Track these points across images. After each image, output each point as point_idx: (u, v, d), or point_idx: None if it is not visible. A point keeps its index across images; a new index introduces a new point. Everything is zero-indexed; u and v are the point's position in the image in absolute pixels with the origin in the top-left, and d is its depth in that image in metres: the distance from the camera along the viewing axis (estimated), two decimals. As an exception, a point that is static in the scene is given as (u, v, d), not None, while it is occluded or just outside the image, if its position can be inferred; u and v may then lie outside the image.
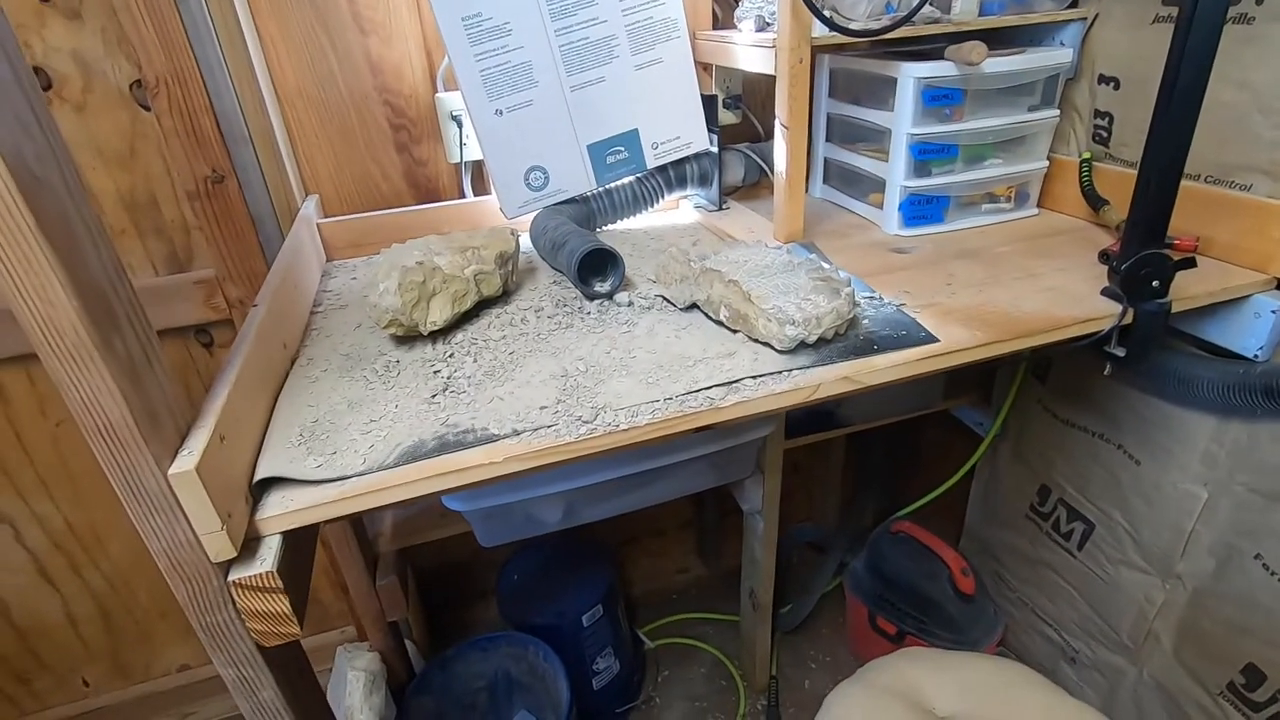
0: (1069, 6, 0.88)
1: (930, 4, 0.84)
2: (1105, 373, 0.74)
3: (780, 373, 0.60)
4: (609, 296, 0.76)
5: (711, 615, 1.45)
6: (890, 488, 1.44)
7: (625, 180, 0.98)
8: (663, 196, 1.01)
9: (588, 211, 0.97)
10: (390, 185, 1.05)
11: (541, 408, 0.58)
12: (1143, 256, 0.64)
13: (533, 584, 1.19)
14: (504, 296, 0.77)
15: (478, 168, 1.05)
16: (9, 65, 0.35)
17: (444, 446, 0.54)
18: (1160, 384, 0.82)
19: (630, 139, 0.95)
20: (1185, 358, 0.75)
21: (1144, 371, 0.79)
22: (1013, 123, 0.89)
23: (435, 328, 0.67)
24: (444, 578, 1.36)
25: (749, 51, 0.86)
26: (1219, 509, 0.83)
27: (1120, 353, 0.70)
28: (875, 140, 0.95)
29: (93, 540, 1.14)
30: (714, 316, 0.69)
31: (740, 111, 1.08)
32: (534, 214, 0.93)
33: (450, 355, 0.67)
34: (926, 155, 0.88)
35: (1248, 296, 0.72)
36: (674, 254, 0.73)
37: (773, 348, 0.63)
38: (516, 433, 0.55)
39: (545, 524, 0.93)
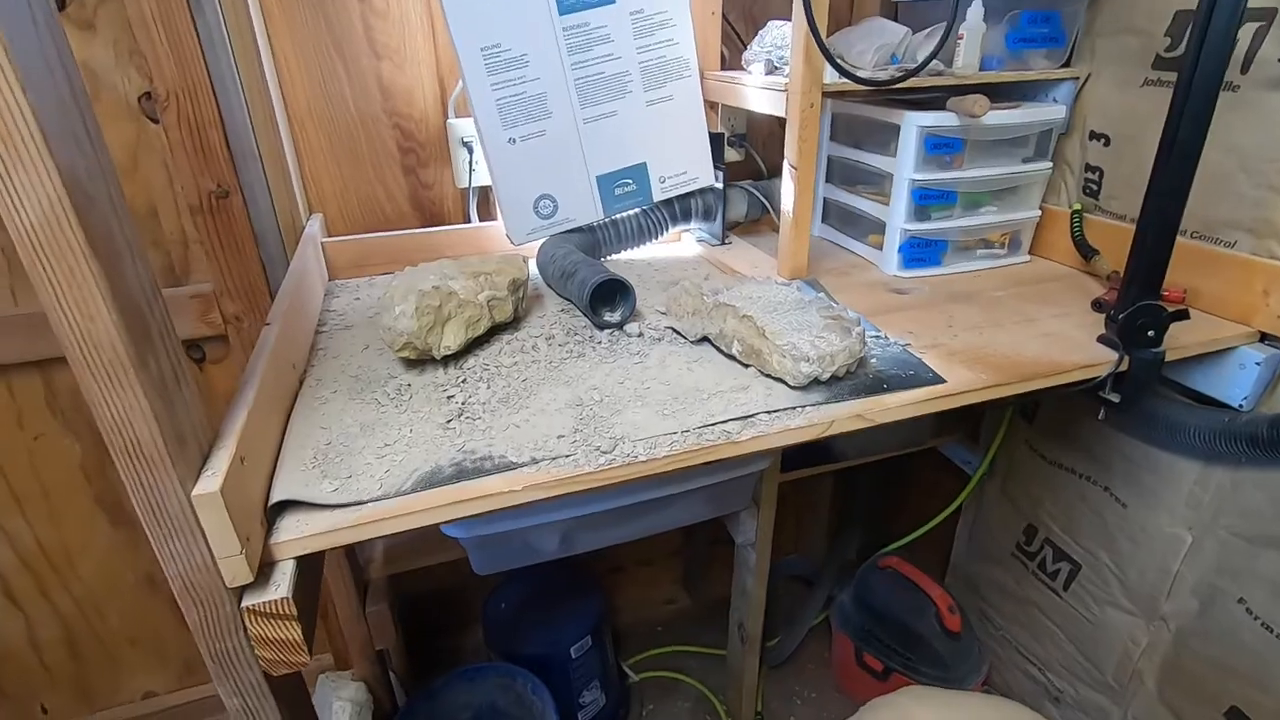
0: (1063, 66, 0.92)
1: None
2: (1100, 417, 0.77)
3: (795, 408, 0.61)
4: (619, 327, 0.77)
5: (697, 648, 1.43)
6: (878, 522, 1.45)
7: (631, 212, 1.00)
8: (667, 229, 1.02)
9: (594, 241, 0.98)
10: (395, 207, 1.05)
11: (559, 436, 0.58)
12: (1139, 307, 0.66)
13: (521, 613, 1.17)
14: (514, 323, 0.78)
15: (484, 193, 1.05)
16: (68, 83, 0.35)
17: (462, 473, 0.54)
18: (1149, 430, 0.84)
19: (639, 172, 0.97)
20: (1175, 405, 0.78)
21: (1135, 417, 0.81)
22: (1008, 173, 0.92)
23: (449, 352, 0.67)
24: (428, 603, 1.34)
25: (758, 94, 0.89)
26: (1203, 552, 0.86)
27: (1115, 398, 0.72)
28: (875, 183, 0.98)
29: (63, 560, 1.09)
30: (726, 350, 0.70)
31: (744, 149, 1.10)
32: (541, 241, 0.94)
33: (463, 381, 0.67)
34: (927, 200, 0.90)
35: (1234, 348, 0.76)
36: (687, 287, 0.74)
37: (785, 383, 0.64)
38: (535, 461, 0.55)
39: (542, 552, 0.92)
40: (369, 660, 0.98)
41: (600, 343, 0.74)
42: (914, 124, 0.87)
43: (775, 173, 1.14)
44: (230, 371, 1.05)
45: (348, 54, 0.95)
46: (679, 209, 1.02)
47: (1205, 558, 0.86)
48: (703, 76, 0.98)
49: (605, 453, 0.56)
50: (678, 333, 0.75)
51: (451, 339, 0.67)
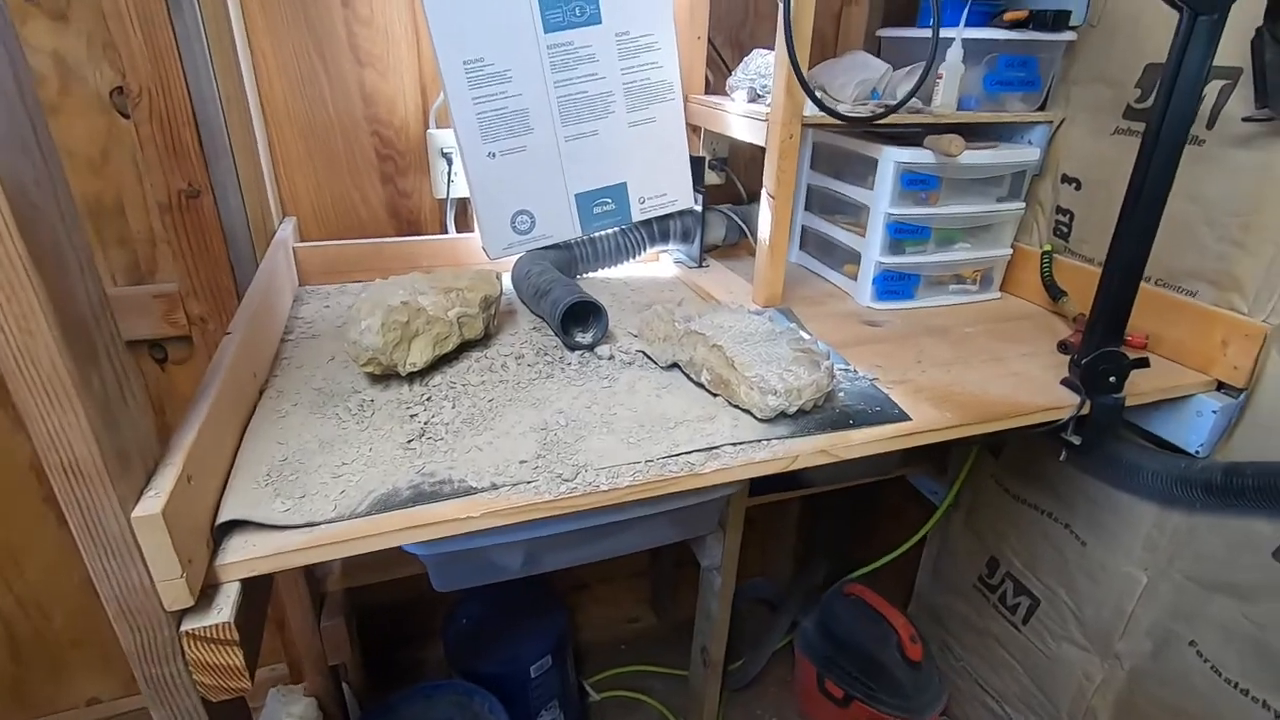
0: (1038, 109, 0.94)
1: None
2: (1060, 458, 0.78)
3: (760, 441, 0.61)
4: (590, 349, 0.76)
5: (659, 669, 1.42)
6: (844, 548, 1.45)
7: (609, 231, 0.99)
8: (645, 249, 1.02)
9: (570, 258, 0.98)
10: (370, 214, 1.03)
11: (521, 462, 0.57)
12: (1103, 353, 0.68)
13: (481, 629, 1.15)
14: (485, 339, 0.77)
15: (462, 205, 1.05)
16: (16, 88, 0.34)
17: (419, 497, 0.53)
18: (1109, 471, 0.85)
19: (618, 192, 0.97)
20: (1134, 449, 0.79)
21: (1096, 459, 0.83)
22: (982, 211, 0.94)
23: (414, 370, 0.66)
24: (387, 615, 1.31)
25: (740, 121, 0.89)
26: (1158, 594, 0.87)
27: (1076, 440, 0.73)
28: (852, 214, 0.99)
29: (7, 560, 1.06)
30: (695, 378, 0.70)
31: (725, 173, 1.11)
32: (517, 257, 0.94)
33: (428, 399, 0.66)
34: (902, 234, 0.91)
35: (1192, 395, 0.77)
36: (659, 312, 0.73)
37: (753, 415, 0.64)
38: (495, 487, 0.54)
39: (505, 570, 0.91)
40: (322, 675, 0.96)
41: (570, 364, 0.74)
42: (891, 159, 0.88)
43: (755, 198, 1.15)
44: (193, 373, 1.02)
45: (329, 58, 0.94)
46: (657, 230, 1.02)
47: (1160, 600, 0.87)
48: (686, 100, 0.98)
49: (566, 480, 0.55)
50: (649, 357, 0.75)
51: (418, 356, 0.66)
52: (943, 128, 0.88)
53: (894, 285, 0.94)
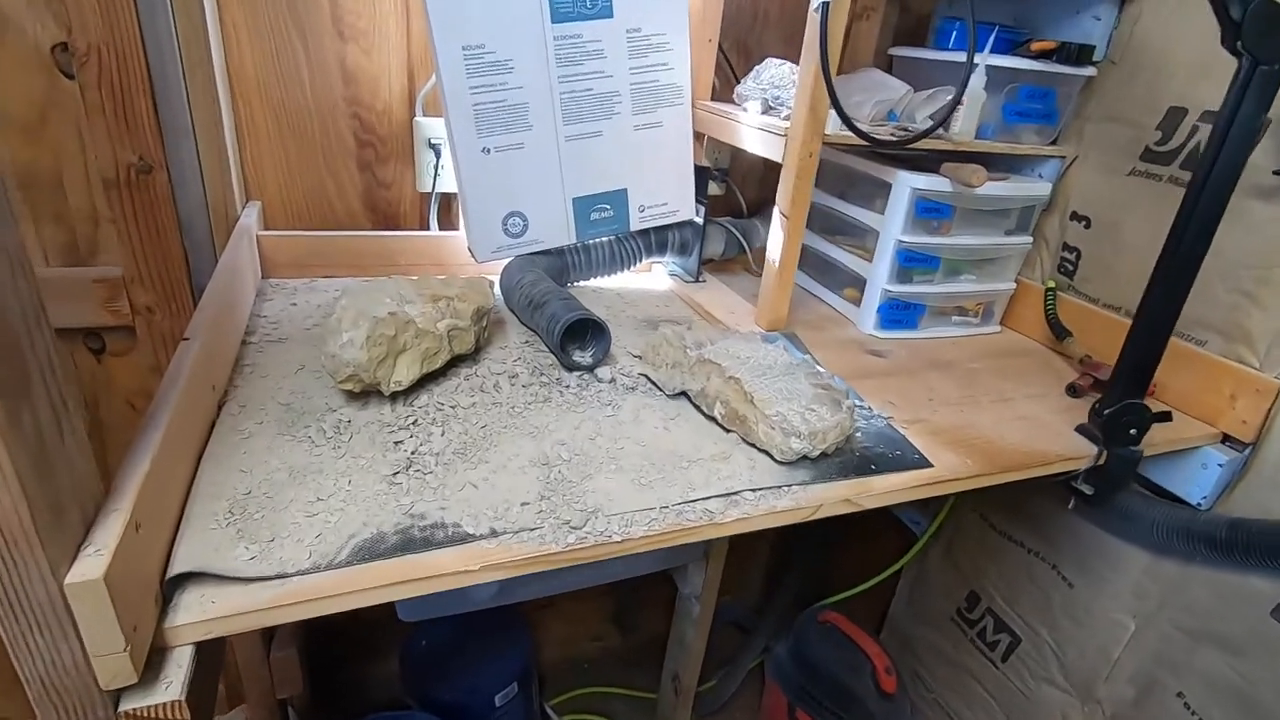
0: (1049, 144, 0.92)
1: (928, 118, 0.86)
2: (1070, 506, 0.76)
3: (781, 487, 0.57)
4: (590, 370, 0.71)
5: (625, 691, 1.37)
6: (819, 571, 1.43)
7: (605, 239, 0.94)
8: (640, 260, 0.97)
9: (563, 265, 0.91)
10: (345, 204, 0.95)
11: (523, 504, 0.51)
12: (1126, 405, 0.65)
13: (442, 654, 1.08)
14: (474, 354, 0.70)
15: (446, 201, 0.97)
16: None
17: (408, 543, 0.46)
18: (1109, 518, 0.84)
19: (618, 198, 0.91)
20: (1137, 498, 0.78)
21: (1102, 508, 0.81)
22: (992, 243, 0.91)
23: (399, 388, 0.59)
24: (341, 636, 1.22)
25: (753, 133, 0.85)
26: (1145, 641, 0.86)
27: (1088, 490, 0.71)
28: (857, 236, 0.96)
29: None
30: (706, 411, 0.64)
31: (725, 184, 1.06)
32: (506, 261, 0.87)
33: (414, 421, 0.59)
34: (911, 263, 0.88)
35: (1198, 447, 0.76)
36: (668, 336, 0.68)
37: (771, 456, 0.59)
38: (495, 534, 0.48)
39: (477, 601, 0.84)
40: (268, 709, 0.88)
41: (568, 386, 0.68)
42: (907, 184, 0.84)
43: (755, 211, 1.11)
44: (135, 368, 0.92)
45: (309, 29, 0.85)
46: (655, 241, 0.97)
47: (1146, 647, 0.86)
48: (693, 105, 0.93)
49: (575, 529, 0.49)
50: (653, 383, 0.70)
51: (404, 373, 0.59)
52: (957, 155, 0.85)
53: (899, 314, 0.91)
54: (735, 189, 1.07)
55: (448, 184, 0.93)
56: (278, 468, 0.52)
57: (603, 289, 0.97)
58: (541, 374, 0.69)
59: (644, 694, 1.35)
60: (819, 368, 0.69)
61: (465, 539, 0.47)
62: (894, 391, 0.76)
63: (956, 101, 0.74)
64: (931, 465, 0.62)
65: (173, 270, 0.87)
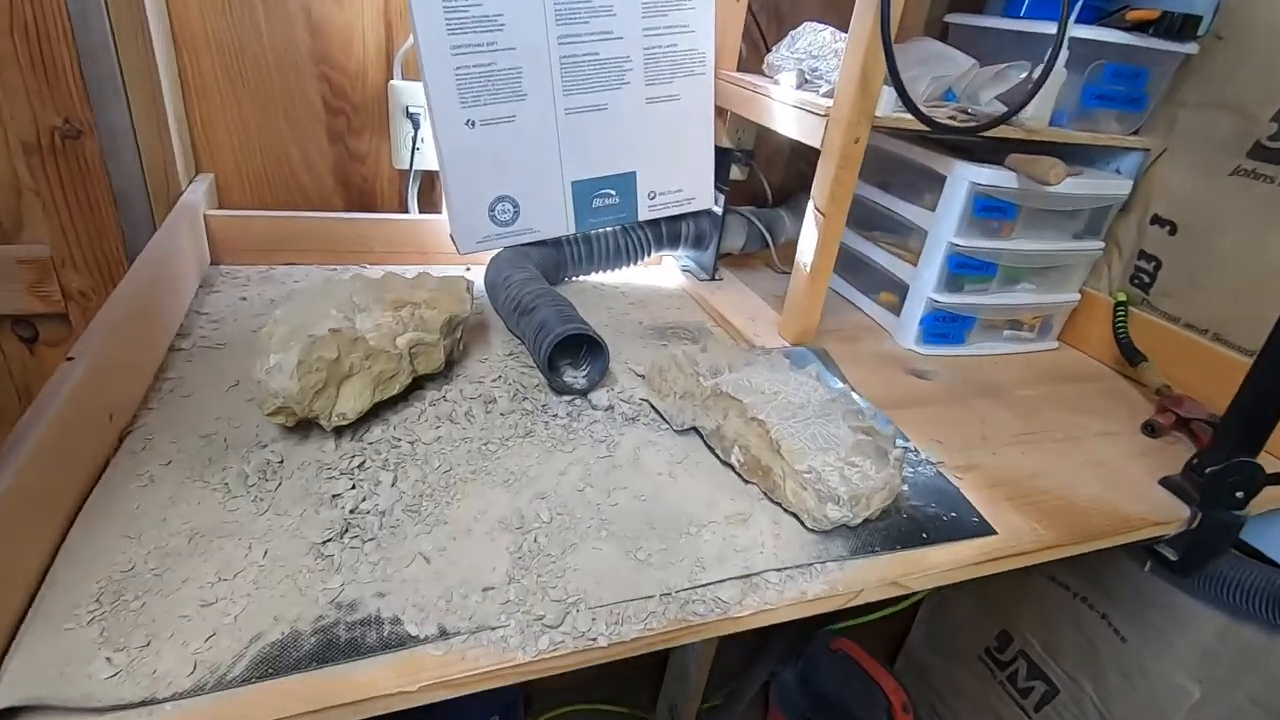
0: (1133, 134, 0.79)
1: (996, 98, 0.73)
2: (1145, 568, 0.64)
3: (812, 565, 0.45)
4: (583, 394, 0.59)
5: (616, 708, 1.28)
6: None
7: (609, 229, 0.81)
8: (648, 254, 0.85)
9: (559, 259, 0.79)
10: (314, 179, 0.83)
11: (485, 589, 0.40)
12: (1235, 464, 0.53)
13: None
14: (445, 370, 0.58)
15: (429, 179, 0.85)
16: None
17: (329, 649, 0.35)
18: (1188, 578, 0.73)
19: (625, 183, 0.78)
20: (1229, 560, 0.66)
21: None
22: (1059, 249, 0.79)
23: (343, 422, 0.48)
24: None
25: (787, 111, 0.72)
26: (1210, 711, 0.76)
27: (1172, 555, 0.60)
28: (899, 235, 0.83)
29: None
30: (721, 456, 0.53)
31: (748, 168, 0.93)
32: (494, 252, 0.75)
33: (360, 464, 0.48)
34: (964, 269, 0.76)
35: (1302, 505, 0.64)
36: (679, 360, 0.56)
37: (800, 520, 0.48)
38: (445, 634, 0.37)
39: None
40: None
41: (556, 415, 0.56)
42: (966, 178, 0.71)
43: (780, 200, 0.98)
44: (70, 360, 0.81)
45: (267, -28, 0.73)
46: (666, 232, 0.84)
47: (1212, 718, 0.75)
48: (715, 75, 0.79)
49: (550, 627, 0.38)
50: (658, 413, 0.58)
51: (350, 404, 0.48)
52: (1025, 145, 0.72)
53: (944, 327, 0.79)
54: (760, 174, 0.94)
55: (429, 160, 0.81)
56: (177, 529, 0.41)
57: (605, 285, 0.85)
58: (525, 398, 0.58)
59: (635, 713, 1.26)
60: (858, 400, 0.57)
61: (405, 642, 0.36)
62: (941, 424, 0.64)
63: (1041, 81, 0.61)
64: (995, 532, 0.51)
65: (109, 251, 0.76)
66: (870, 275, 0.87)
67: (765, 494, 0.50)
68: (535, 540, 0.44)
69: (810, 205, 0.69)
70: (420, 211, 0.85)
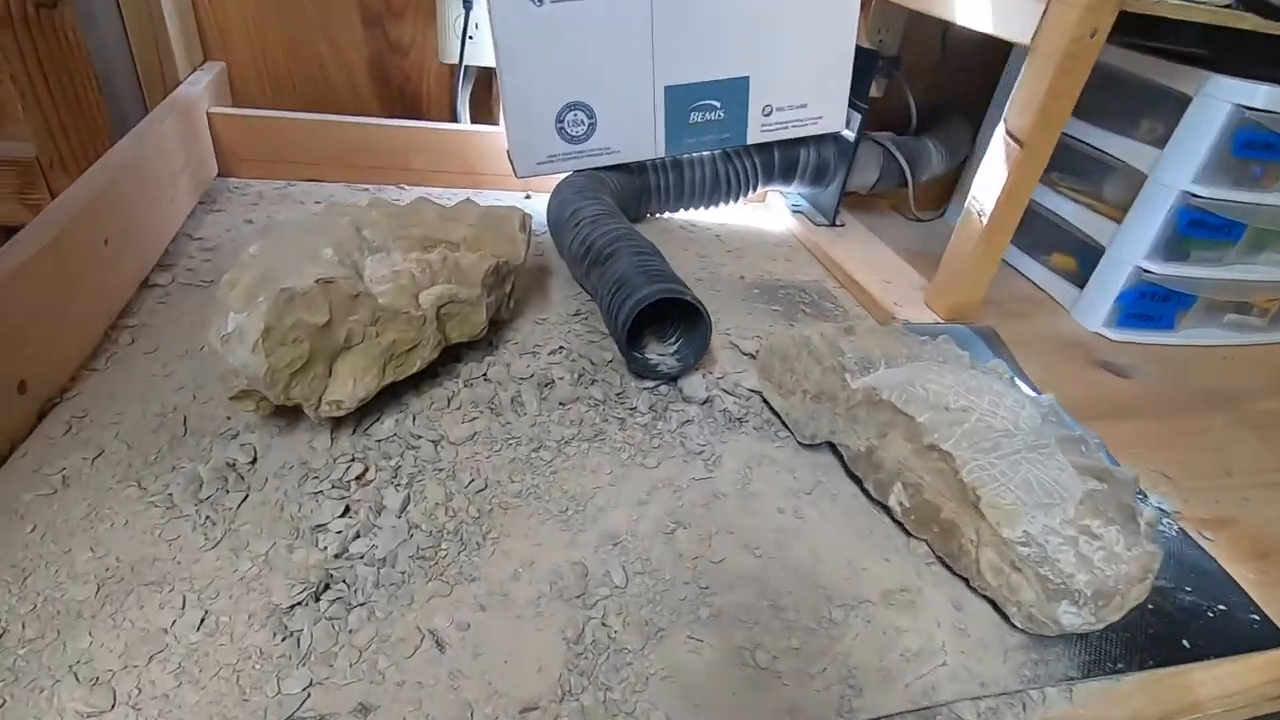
0: None
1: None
2: None
3: (1025, 692, 0.29)
4: (671, 380, 0.43)
5: None
6: None
7: (708, 153, 0.63)
8: (753, 188, 0.66)
9: (642, 188, 0.62)
10: (346, 75, 0.67)
11: (525, 710, 0.26)
12: None
13: None
14: (489, 335, 0.43)
15: (485, 79, 0.68)
16: None
17: (271, 814, 0.22)
18: None
19: (734, 92, 0.60)
20: None
21: None
22: (1337, 208, 0.57)
23: (337, 412, 0.34)
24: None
25: (975, -7, 0.51)
26: None
27: None
28: (1091, 177, 0.62)
29: None
30: (873, 492, 0.37)
31: (889, 80, 0.72)
32: (561, 176, 0.58)
33: (360, 473, 0.34)
34: (1198, 229, 0.55)
35: None
36: (814, 345, 0.39)
37: (997, 609, 0.32)
38: (456, 797, 0.23)
39: None
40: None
41: (635, 409, 0.41)
42: (1229, 99, 0.50)
43: (927, 125, 0.76)
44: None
45: None
46: (780, 161, 0.65)
47: None
48: (866, -52, 0.59)
49: (623, 794, 0.24)
50: (775, 413, 0.42)
51: (347, 389, 0.33)
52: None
53: (1150, 306, 0.59)
54: (906, 88, 0.73)
55: (485, 55, 0.64)
56: (83, 570, 0.28)
57: (695, 226, 0.67)
58: (593, 380, 0.42)
59: None
60: (1068, 421, 0.40)
61: (393, 807, 0.23)
62: (1160, 448, 0.46)
63: None
64: (1288, 642, 0.34)
65: (100, 148, 0.62)
66: (1039, 230, 0.67)
67: (941, 558, 0.34)
68: (604, 622, 0.29)
69: (1000, 131, 0.49)
70: (473, 121, 0.68)
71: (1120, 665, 0.31)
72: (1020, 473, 0.33)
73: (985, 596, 0.32)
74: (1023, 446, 0.34)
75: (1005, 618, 0.32)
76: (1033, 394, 0.40)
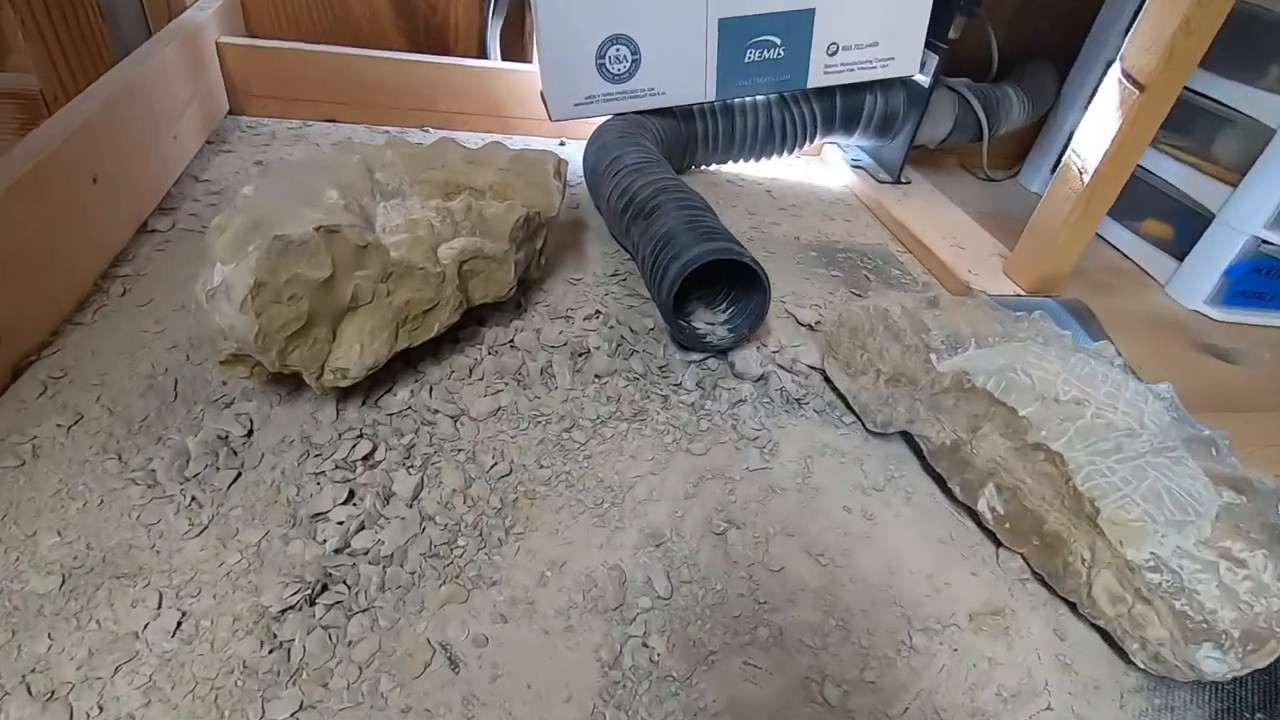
0: None
1: None
2: None
3: (1149, 748, 0.24)
4: (721, 353, 0.38)
5: None
6: None
7: (763, 97, 0.57)
8: (811, 139, 0.60)
9: (688, 135, 0.56)
10: (368, 7, 0.61)
11: (551, 751, 0.21)
12: None
13: None
14: (517, 296, 0.38)
15: (518, 11, 0.62)
16: None
17: None
18: None
19: (796, 26, 0.53)
20: None
21: None
22: None
23: (342, 381, 0.29)
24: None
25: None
26: None
27: None
28: (1202, 132, 0.54)
29: None
30: (959, 493, 0.31)
31: (969, 18, 0.64)
32: (601, 120, 0.53)
33: (369, 453, 0.29)
34: (1333, 196, 0.48)
35: None
36: (897, 319, 0.34)
37: (1121, 649, 0.27)
38: None
39: None
40: None
41: (681, 385, 0.36)
42: (1395, 39, 0.42)
43: (1009, 72, 0.68)
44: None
45: None
46: (842, 109, 0.59)
47: None
48: None
49: None
50: (840, 396, 0.37)
51: (353, 355, 0.29)
52: None
53: (1264, 284, 0.52)
54: (990, 30, 0.65)
55: (518, -19, 0.57)
56: (48, 558, 0.24)
57: (744, 179, 0.61)
58: (633, 350, 0.37)
59: None
60: (1195, 421, 0.34)
61: None
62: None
63: None
64: None
65: (107, 87, 0.58)
66: (1130, 192, 0.59)
67: (1039, 576, 0.29)
68: (645, 641, 0.24)
69: (1115, 73, 0.42)
70: (504, 58, 0.62)
71: (1260, 716, 0.26)
72: (1147, 481, 0.27)
73: (1096, 626, 0.27)
74: (1148, 449, 0.28)
75: (1121, 652, 0.27)
76: (1160, 390, 0.34)
